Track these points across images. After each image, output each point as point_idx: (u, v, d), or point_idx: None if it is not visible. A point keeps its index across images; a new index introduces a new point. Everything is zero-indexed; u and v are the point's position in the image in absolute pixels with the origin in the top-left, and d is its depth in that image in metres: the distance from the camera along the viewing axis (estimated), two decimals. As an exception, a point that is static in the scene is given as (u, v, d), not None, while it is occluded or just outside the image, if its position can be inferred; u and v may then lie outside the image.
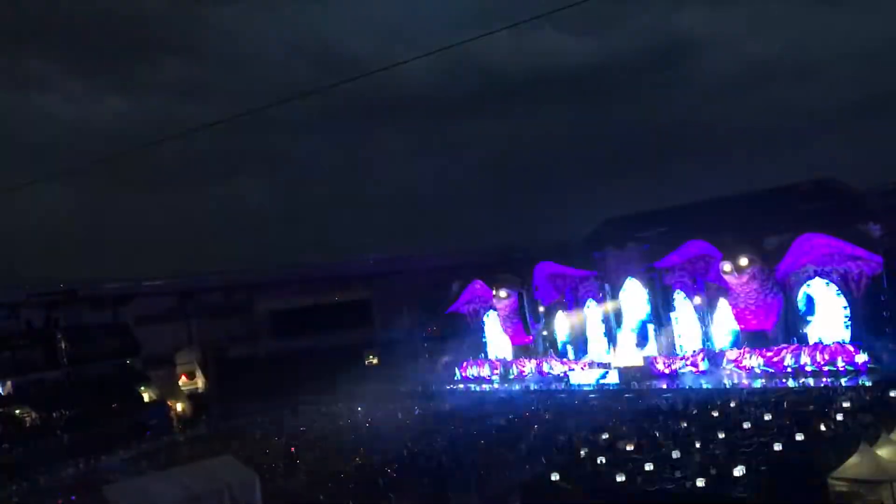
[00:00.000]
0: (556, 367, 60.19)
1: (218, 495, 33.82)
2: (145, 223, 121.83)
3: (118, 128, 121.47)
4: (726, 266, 50.57)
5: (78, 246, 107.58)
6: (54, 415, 60.04)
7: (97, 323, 70.60)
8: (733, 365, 50.73)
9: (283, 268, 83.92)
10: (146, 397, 68.05)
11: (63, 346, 65.99)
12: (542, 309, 65.32)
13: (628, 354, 57.28)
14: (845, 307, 49.78)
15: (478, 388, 61.91)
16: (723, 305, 54.31)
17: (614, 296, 60.73)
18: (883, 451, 25.72)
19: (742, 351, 51.24)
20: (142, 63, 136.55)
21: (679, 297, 57.26)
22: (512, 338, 66.04)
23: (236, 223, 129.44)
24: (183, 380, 73.61)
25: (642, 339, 58.64)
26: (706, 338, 55.66)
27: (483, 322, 69.83)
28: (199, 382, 73.99)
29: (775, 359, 48.96)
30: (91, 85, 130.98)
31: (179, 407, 68.57)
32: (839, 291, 49.96)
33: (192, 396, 71.16)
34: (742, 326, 52.52)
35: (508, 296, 64.10)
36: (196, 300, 76.88)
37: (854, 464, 25.31)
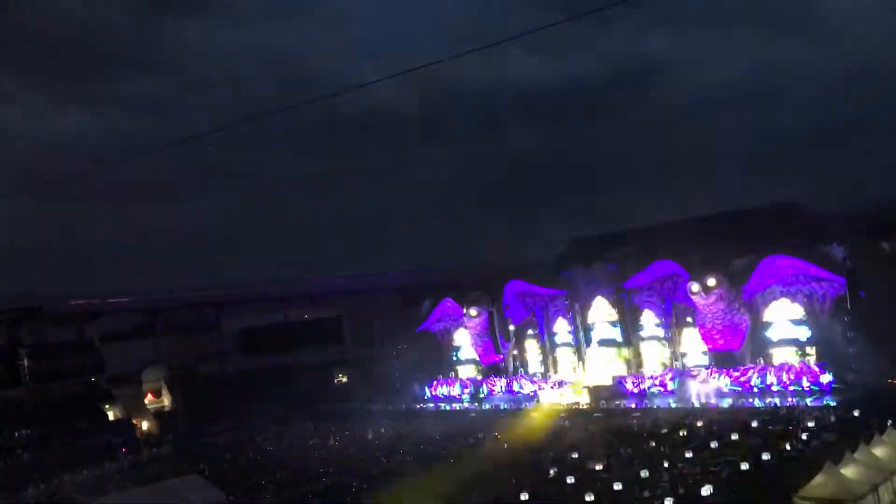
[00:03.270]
0: (526, 386, 60.29)
1: (185, 516, 33.49)
2: (112, 239, 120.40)
3: (83, 143, 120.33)
4: (694, 286, 51.09)
5: (42, 262, 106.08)
6: (15, 434, 58.88)
7: (61, 340, 69.47)
8: (701, 385, 51.17)
9: (252, 285, 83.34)
10: (111, 416, 66.99)
11: (25, 363, 64.80)
12: (512, 328, 65.47)
13: (597, 374, 57.57)
14: (810, 328, 50.63)
15: (448, 408, 61.76)
16: (690, 325, 54.88)
17: (583, 315, 61.09)
18: (847, 471, 26.13)
19: (709, 371, 51.77)
20: (108, 78, 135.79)
21: (647, 316, 57.77)
22: (482, 356, 66.02)
23: (203, 241, 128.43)
24: (149, 398, 72.58)
25: (611, 359, 59.01)
26: (674, 357, 56.18)
27: (453, 341, 69.82)
28: (166, 401, 73.00)
29: (742, 378, 49.50)
30: (53, 99, 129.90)
31: (145, 425, 67.61)
32: (804, 312, 50.79)
33: (159, 415, 70.16)
34: (709, 346, 53.04)
35: (479, 314, 64.15)
36: (163, 318, 76.02)
37: (819, 483, 25.68)
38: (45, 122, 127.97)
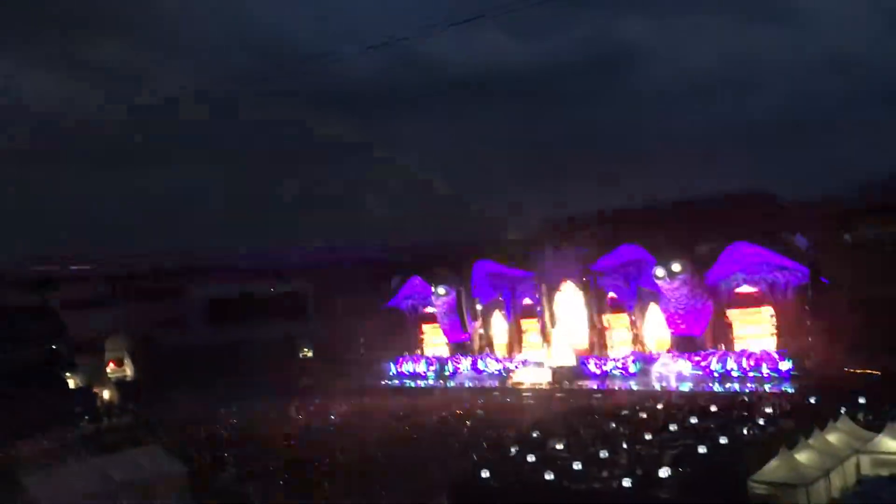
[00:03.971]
0: (492, 365, 60.64)
1: (143, 487, 33.21)
2: (75, 205, 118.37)
3: (47, 106, 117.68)
4: (659, 271, 51.54)
5: (1, 227, 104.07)
6: (-27, 399, 57.93)
7: (22, 306, 68.36)
8: (662, 368, 51.86)
9: (218, 255, 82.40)
10: (72, 384, 66.24)
11: (-17, 329, 63.77)
12: (479, 307, 65.71)
13: (562, 354, 58.05)
14: (771, 316, 51.44)
15: (413, 385, 61.94)
16: (654, 310, 55.47)
17: (550, 296, 61.45)
18: (801, 456, 26.66)
19: (671, 355, 52.43)
20: (76, 40, 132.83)
21: (612, 299, 58.27)
22: (449, 335, 66.24)
23: (169, 209, 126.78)
24: (111, 367, 71.82)
25: (575, 340, 59.52)
26: (637, 341, 56.80)
27: (420, 318, 69.90)
28: (128, 370, 72.32)
29: (703, 363, 50.21)
30: (18, 60, 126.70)
31: (107, 394, 66.97)
32: (766, 300, 51.58)
33: (121, 384, 69.51)
34: (672, 331, 53.69)
35: (447, 293, 64.26)
36: (126, 286, 75.09)
37: (773, 468, 26.17)
38: (8, 82, 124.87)
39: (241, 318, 74.28)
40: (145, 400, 62.06)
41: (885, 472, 26.98)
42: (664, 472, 26.88)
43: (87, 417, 58.02)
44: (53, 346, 68.17)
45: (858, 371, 43.67)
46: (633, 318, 57.15)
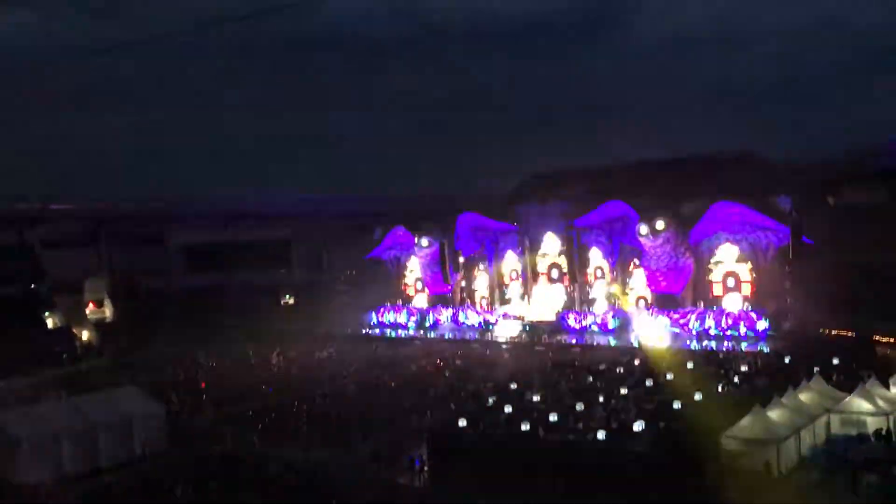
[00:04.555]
0: (472, 318, 60.89)
1: (120, 426, 33.29)
2: (57, 145, 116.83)
3: (29, 44, 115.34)
4: (642, 228, 51.68)
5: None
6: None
7: (0, 244, 67.59)
8: (641, 325, 52.28)
9: (201, 201, 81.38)
10: (51, 323, 65.87)
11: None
12: (461, 259, 65.78)
13: (542, 309, 58.33)
14: (751, 275, 51.83)
15: (393, 334, 62.14)
16: (636, 266, 55.70)
17: (533, 250, 61.56)
18: (774, 414, 27.05)
19: (650, 312, 52.81)
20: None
21: (595, 255, 58.45)
22: (430, 286, 66.35)
23: (152, 152, 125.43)
24: (91, 308, 71.40)
25: (556, 295, 59.81)
26: (617, 297, 57.13)
27: (403, 269, 69.90)
28: (108, 312, 71.92)
29: (682, 321, 50.64)
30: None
31: (85, 335, 66.69)
32: (747, 260, 51.91)
33: (100, 326, 69.18)
34: (652, 288, 54.02)
35: (430, 245, 64.19)
36: (108, 228, 74.26)
37: (746, 424, 26.55)
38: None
39: (223, 265, 73.90)
40: (124, 342, 61.91)
41: (853, 432, 27.46)
42: (638, 426, 27.19)
43: (65, 357, 57.81)
44: (32, 286, 67.63)
45: (834, 333, 44.17)
46: (615, 274, 57.40)
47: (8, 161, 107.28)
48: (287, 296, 75.34)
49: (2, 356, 51.56)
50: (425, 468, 29.40)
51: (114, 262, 73.47)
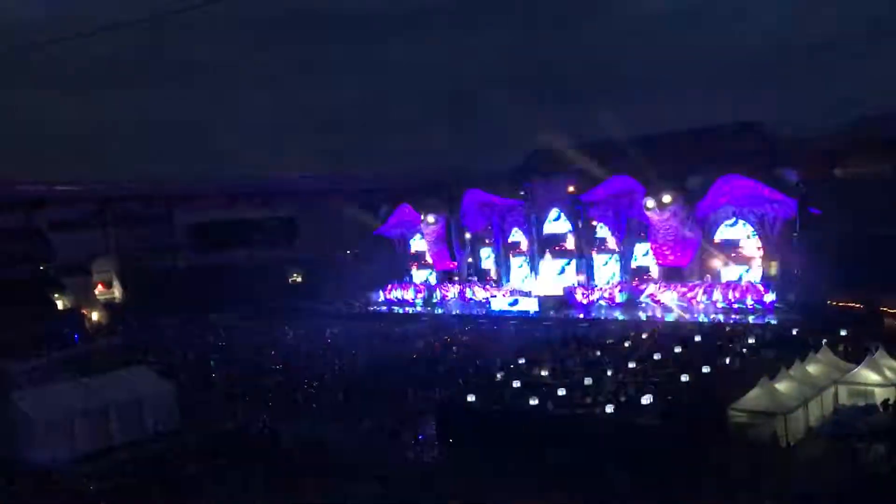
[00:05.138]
0: (479, 294, 61.03)
1: (132, 405, 33.61)
2: (62, 126, 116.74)
3: (33, 23, 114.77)
4: (649, 202, 51.62)
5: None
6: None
7: (8, 226, 67.86)
8: (648, 299, 52.38)
9: (207, 180, 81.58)
10: (60, 305, 66.31)
11: (-31, 248, 63.29)
12: (468, 236, 65.85)
13: (549, 284, 58.43)
14: (759, 248, 51.77)
15: (401, 311, 62.36)
16: (643, 240, 55.68)
17: (539, 226, 61.56)
18: (781, 386, 27.16)
19: (658, 286, 52.86)
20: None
21: (601, 230, 58.41)
22: (437, 263, 66.49)
23: (159, 131, 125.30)
24: (99, 289, 71.82)
25: (563, 270, 59.88)
26: (624, 271, 57.17)
27: (409, 246, 70.03)
28: (117, 292, 72.36)
29: (689, 294, 50.69)
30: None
31: (95, 316, 67.15)
32: (754, 233, 51.85)
33: (109, 306, 69.63)
34: (659, 262, 54.02)
35: (436, 221, 64.26)
36: (115, 208, 74.48)
37: (754, 396, 26.68)
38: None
39: (230, 243, 74.17)
40: (134, 322, 62.34)
41: (861, 402, 27.57)
42: (646, 400, 27.31)
43: (75, 338, 58.24)
44: (40, 267, 67.99)
45: (841, 304, 44.16)
46: (621, 248, 57.38)
47: (13, 143, 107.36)
48: (294, 274, 75.60)
49: (13, 338, 52.01)
50: (434, 443, 29.62)
51: (121, 242, 73.76)
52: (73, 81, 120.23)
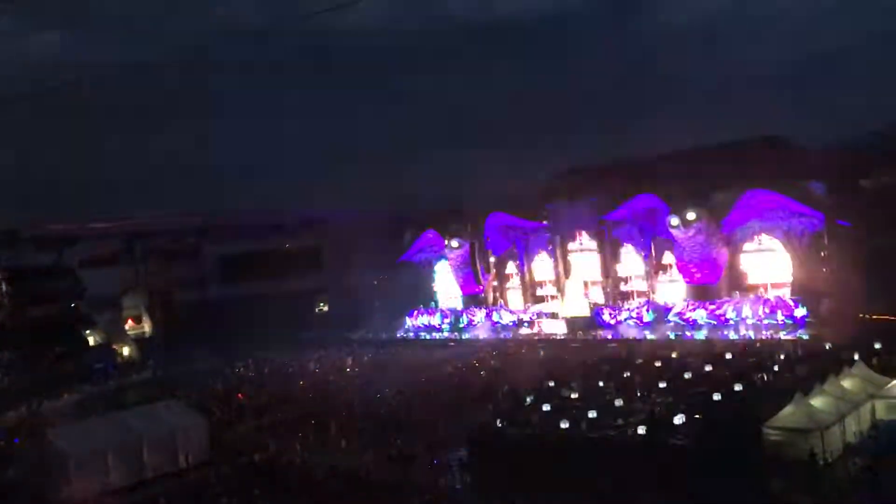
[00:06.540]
0: (506, 317, 60.85)
1: (164, 439, 33.85)
2: (92, 164, 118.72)
3: (62, 63, 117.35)
4: (674, 220, 51.30)
5: (20, 185, 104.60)
6: (-6, 357, 58.73)
7: (40, 265, 68.85)
8: (677, 317, 51.90)
9: (233, 213, 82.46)
10: (91, 341, 66.99)
11: (3, 287, 64.23)
12: (493, 259, 65.78)
13: (576, 305, 58.13)
14: (787, 263, 51.18)
15: (428, 337, 62.31)
16: (669, 259, 55.31)
17: (564, 248, 61.38)
18: (816, 402, 26.72)
19: (686, 304, 52.38)
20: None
21: (627, 249, 58.12)
22: (463, 287, 66.43)
23: (185, 167, 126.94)
24: (129, 324, 72.61)
25: (589, 291, 59.57)
26: (652, 290, 56.75)
27: (434, 271, 70.08)
28: (146, 327, 73.07)
29: (718, 312, 50.17)
30: (31, 19, 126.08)
31: (126, 351, 67.76)
32: (782, 247, 51.29)
33: (139, 341, 70.28)
34: (687, 280, 53.56)
35: (460, 246, 64.31)
36: (144, 243, 75.35)
37: (788, 413, 26.25)
38: (21, 41, 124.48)
39: (257, 274, 74.63)
40: (164, 356, 62.83)
41: (900, 417, 27.08)
42: (679, 420, 26.99)
43: (107, 373, 58.79)
44: (72, 304, 68.81)
45: (874, 317, 43.47)
46: (648, 268, 57.03)
47: (43, 182, 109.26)
48: (321, 303, 75.84)
49: (46, 376, 52.65)
50: (466, 469, 29.46)
51: (150, 276, 74.51)
52: (100, 119, 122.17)
